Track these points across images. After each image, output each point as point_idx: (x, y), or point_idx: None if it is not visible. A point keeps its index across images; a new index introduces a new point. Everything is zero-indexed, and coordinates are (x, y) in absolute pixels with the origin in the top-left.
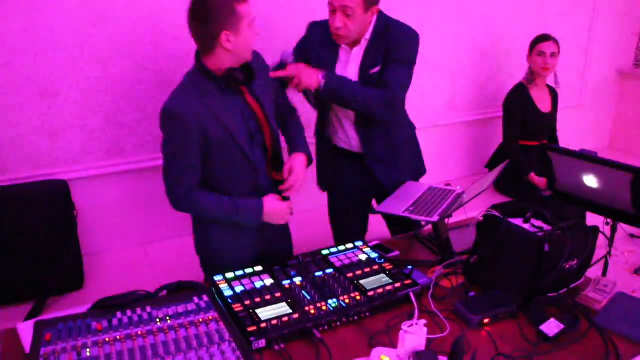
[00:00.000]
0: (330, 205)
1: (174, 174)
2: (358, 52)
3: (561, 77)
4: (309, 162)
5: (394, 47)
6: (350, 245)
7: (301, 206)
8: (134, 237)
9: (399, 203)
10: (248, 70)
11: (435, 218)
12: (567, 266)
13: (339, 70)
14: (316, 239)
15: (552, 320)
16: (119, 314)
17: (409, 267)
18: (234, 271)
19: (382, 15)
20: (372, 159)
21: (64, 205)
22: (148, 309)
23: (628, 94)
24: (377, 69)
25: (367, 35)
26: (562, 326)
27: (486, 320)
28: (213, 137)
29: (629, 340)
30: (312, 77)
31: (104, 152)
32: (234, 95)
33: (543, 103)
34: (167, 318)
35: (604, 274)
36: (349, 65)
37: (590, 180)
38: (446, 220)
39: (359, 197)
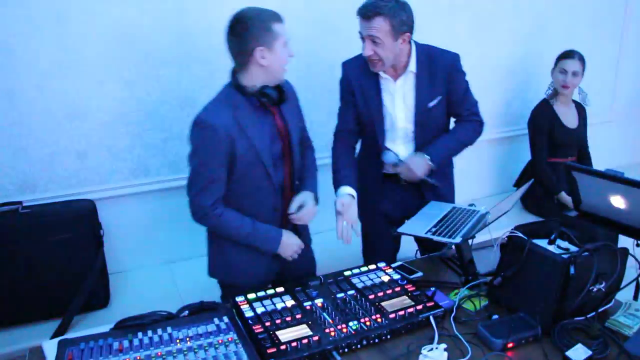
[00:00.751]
0: (364, 229)
1: (199, 186)
2: (404, 83)
3: (591, 92)
4: (316, 201)
5: (455, 77)
6: (372, 266)
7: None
8: (159, 256)
9: (422, 224)
10: (280, 91)
11: (458, 240)
12: (595, 289)
13: (388, 101)
14: (343, 258)
15: (579, 345)
16: (140, 334)
17: (432, 288)
18: (255, 292)
19: (420, 46)
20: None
21: (91, 225)
22: (168, 329)
23: None
24: (435, 101)
25: (413, 68)
26: (590, 352)
27: (510, 345)
28: (240, 153)
29: None
30: (423, 166)
31: (130, 172)
32: (265, 115)
33: (569, 119)
34: (187, 339)
35: (636, 298)
36: (398, 97)
37: (617, 201)
38: (470, 241)
39: (397, 219)
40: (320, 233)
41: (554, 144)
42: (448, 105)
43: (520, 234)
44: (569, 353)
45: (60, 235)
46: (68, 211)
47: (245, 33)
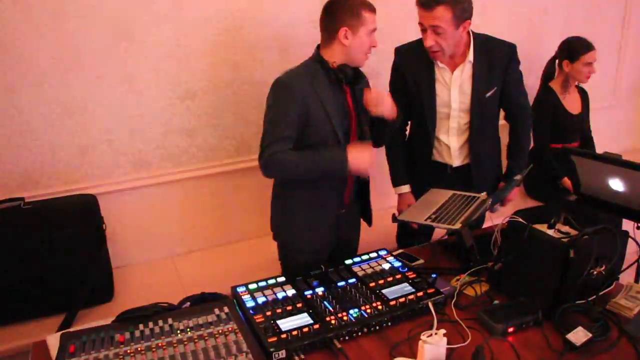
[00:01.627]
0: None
1: (269, 139)
2: (462, 73)
3: (594, 77)
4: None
5: (512, 67)
6: (374, 254)
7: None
8: (162, 249)
9: (422, 211)
10: (357, 73)
11: (458, 226)
12: (595, 272)
13: (442, 91)
14: (378, 239)
15: (580, 328)
16: (141, 326)
17: (433, 275)
18: (257, 282)
19: (477, 35)
20: (477, 168)
21: (93, 219)
22: (169, 320)
23: None
24: (492, 92)
25: (470, 58)
26: (590, 335)
27: (510, 329)
28: (313, 116)
29: None
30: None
31: (132, 166)
32: (339, 92)
33: (572, 104)
34: (188, 330)
35: (637, 280)
36: (454, 87)
37: (616, 184)
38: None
39: None
40: None
41: (557, 130)
42: (502, 96)
43: (520, 219)
44: (569, 336)
45: (62, 230)
46: (70, 206)
47: (336, 12)
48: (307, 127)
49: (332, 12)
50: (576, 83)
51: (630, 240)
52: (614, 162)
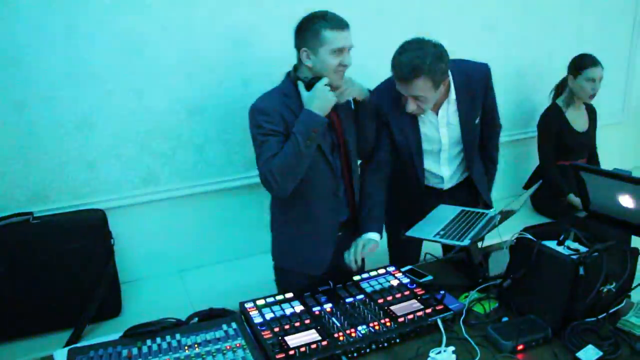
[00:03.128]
0: (395, 237)
1: (263, 157)
2: (446, 112)
3: (603, 94)
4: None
5: (489, 85)
6: (382, 271)
7: None
8: (171, 264)
9: (430, 227)
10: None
11: (467, 242)
12: (605, 290)
13: (429, 130)
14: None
15: (590, 346)
16: (148, 342)
17: (441, 292)
18: (265, 298)
19: (453, 66)
20: (479, 183)
21: (102, 234)
22: (177, 336)
23: None
24: (478, 117)
25: (453, 95)
26: (601, 353)
27: (520, 347)
28: None
29: None
30: None
31: (140, 181)
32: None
33: (579, 122)
34: (196, 345)
35: None
36: (442, 125)
37: (625, 200)
38: (480, 243)
39: None
40: None
41: (563, 148)
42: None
43: (529, 236)
44: (579, 354)
45: (71, 245)
46: (78, 221)
47: (299, 32)
48: None
49: (297, 32)
50: (582, 101)
51: None
52: (624, 178)
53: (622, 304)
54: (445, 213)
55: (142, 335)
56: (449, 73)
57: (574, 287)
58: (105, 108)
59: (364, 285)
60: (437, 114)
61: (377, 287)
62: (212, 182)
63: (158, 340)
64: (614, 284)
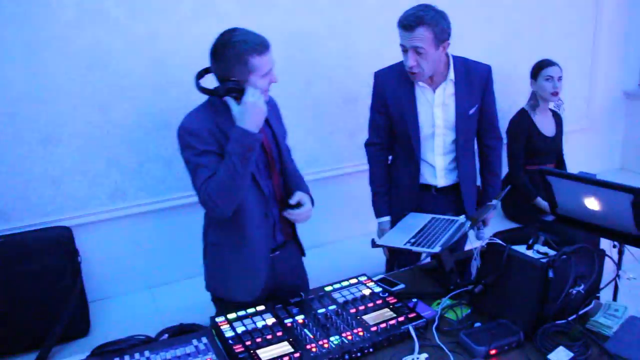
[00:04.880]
0: None
1: (200, 179)
2: (443, 92)
3: (567, 101)
4: (313, 203)
5: (489, 87)
6: (354, 280)
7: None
8: (140, 281)
9: (401, 235)
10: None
11: (437, 249)
12: (574, 292)
13: (425, 110)
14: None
15: (561, 348)
16: None
17: (414, 300)
18: (236, 311)
19: (455, 56)
20: (465, 188)
21: (68, 252)
22: (146, 353)
23: (636, 114)
24: (474, 109)
25: (452, 76)
26: (572, 354)
27: (493, 352)
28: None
29: None
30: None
31: (107, 197)
32: None
33: (547, 127)
34: None
35: (615, 298)
36: (437, 106)
37: (592, 203)
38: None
39: None
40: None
41: (532, 152)
42: (479, 116)
43: (499, 241)
44: (550, 356)
45: (35, 264)
46: (43, 239)
47: (222, 62)
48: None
49: (218, 60)
50: (548, 105)
51: (607, 259)
52: (589, 181)
53: (591, 306)
54: (416, 221)
55: (110, 353)
56: (450, 55)
57: (544, 290)
58: (70, 123)
59: (336, 295)
60: (434, 93)
61: (349, 297)
62: (181, 197)
63: (126, 358)
64: (582, 286)
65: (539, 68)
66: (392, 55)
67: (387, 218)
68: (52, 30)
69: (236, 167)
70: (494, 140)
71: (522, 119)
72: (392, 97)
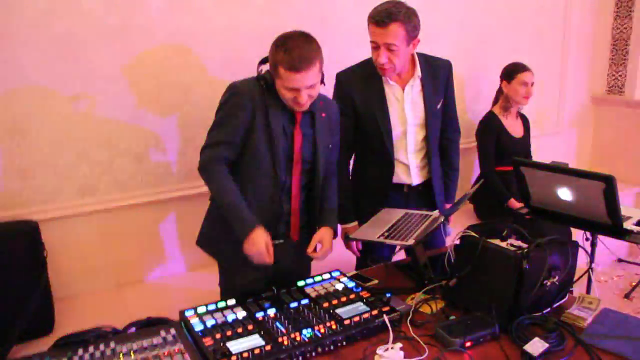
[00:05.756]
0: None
1: (213, 140)
2: (412, 89)
3: (538, 106)
4: (334, 236)
5: (450, 82)
6: (326, 276)
7: None
8: (109, 278)
9: (374, 229)
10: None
11: (411, 242)
12: (548, 283)
13: (396, 109)
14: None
15: (537, 339)
16: (80, 352)
17: (388, 294)
18: (206, 305)
19: (419, 54)
20: (438, 184)
21: (33, 247)
22: (112, 344)
23: (604, 119)
24: (440, 103)
25: (419, 73)
26: (547, 345)
27: (468, 344)
28: (257, 130)
29: (617, 356)
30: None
31: (77, 191)
32: (288, 120)
33: (514, 128)
34: (131, 353)
35: (588, 291)
36: (407, 103)
37: (564, 193)
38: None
39: None
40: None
41: (501, 153)
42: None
43: (473, 234)
44: (526, 347)
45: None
46: (8, 233)
47: (271, 49)
48: (250, 139)
49: (271, 48)
50: (518, 108)
51: (581, 252)
52: (562, 171)
53: (565, 299)
54: (389, 216)
55: (73, 345)
56: (415, 52)
57: (519, 282)
58: (39, 114)
59: (308, 290)
60: (403, 91)
61: (322, 292)
62: (152, 193)
63: (91, 349)
64: (556, 277)
65: (515, 72)
66: (365, 55)
67: (355, 223)
68: (22, 19)
69: (221, 208)
70: (455, 133)
71: (490, 121)
72: (361, 98)
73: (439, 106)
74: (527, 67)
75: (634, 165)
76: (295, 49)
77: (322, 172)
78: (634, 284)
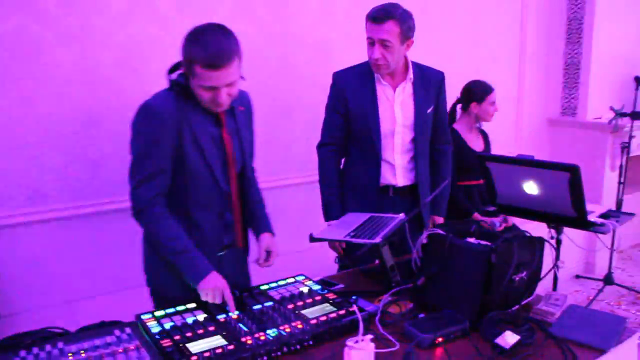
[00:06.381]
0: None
1: (142, 175)
2: (403, 91)
3: (496, 126)
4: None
5: (442, 92)
6: (291, 280)
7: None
8: (59, 294)
9: (340, 230)
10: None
11: (378, 240)
12: (517, 279)
13: (386, 108)
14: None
15: (508, 332)
16: (22, 353)
17: (354, 297)
18: (164, 309)
19: (412, 62)
20: (422, 188)
21: None
22: (60, 344)
23: (559, 140)
24: (431, 108)
25: (411, 75)
26: (519, 337)
27: (439, 340)
28: (187, 146)
29: (586, 346)
30: None
31: (26, 198)
32: (214, 124)
33: (476, 143)
34: (82, 352)
35: (555, 288)
36: (397, 104)
37: (530, 187)
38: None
39: None
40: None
41: (463, 167)
42: (433, 119)
43: (440, 231)
44: (498, 340)
45: None
46: None
47: (183, 42)
48: (182, 159)
49: (183, 41)
50: (477, 125)
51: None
52: (528, 163)
53: (533, 297)
54: (356, 218)
55: (16, 346)
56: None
57: (488, 276)
58: None
59: (272, 293)
60: (394, 91)
61: (287, 294)
62: (108, 202)
63: (35, 350)
64: (524, 273)
65: (486, 93)
66: (328, 68)
67: None
68: None
69: (167, 258)
70: (446, 144)
71: (453, 138)
72: (353, 95)
73: (429, 111)
74: (492, 86)
75: (587, 185)
76: (211, 43)
77: (248, 171)
78: (590, 297)
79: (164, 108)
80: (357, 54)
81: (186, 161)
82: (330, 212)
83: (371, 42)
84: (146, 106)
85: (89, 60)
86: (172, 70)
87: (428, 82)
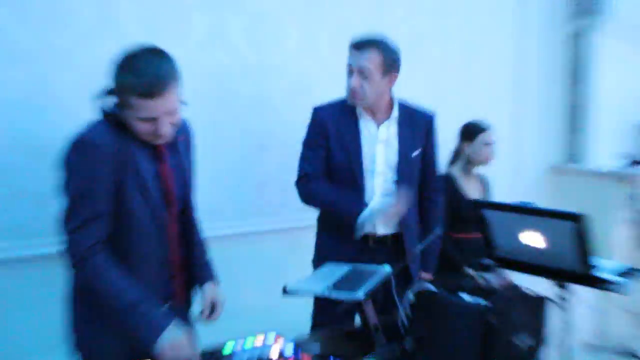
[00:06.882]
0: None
1: (79, 219)
2: (387, 129)
3: (495, 171)
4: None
5: (432, 134)
6: (260, 337)
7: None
8: None
9: (318, 282)
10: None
11: (360, 295)
12: (519, 343)
13: (368, 146)
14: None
15: None
16: None
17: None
18: None
19: (400, 101)
20: (407, 237)
21: None
22: None
23: (562, 190)
24: (417, 152)
25: (396, 114)
26: None
27: None
28: (128, 184)
29: None
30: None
31: None
32: (152, 159)
33: (473, 192)
34: None
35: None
36: (380, 142)
37: (532, 238)
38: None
39: None
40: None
41: (459, 219)
42: (421, 165)
43: (430, 287)
44: None
45: None
46: None
47: (115, 80)
48: (123, 198)
49: (114, 77)
50: (476, 168)
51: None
52: (528, 211)
53: None
54: (335, 269)
55: None
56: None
57: (487, 338)
58: None
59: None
60: (377, 129)
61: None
62: (55, 243)
63: None
64: (526, 334)
65: (477, 132)
66: (307, 103)
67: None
68: None
69: (117, 317)
70: (435, 192)
71: (446, 185)
72: (335, 130)
73: (414, 154)
74: (489, 125)
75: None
76: (145, 69)
77: (189, 210)
78: None
79: (101, 141)
80: (339, 89)
81: (126, 203)
82: (345, 199)
83: (350, 70)
84: (82, 140)
85: (41, 82)
86: (102, 95)
87: (415, 122)
